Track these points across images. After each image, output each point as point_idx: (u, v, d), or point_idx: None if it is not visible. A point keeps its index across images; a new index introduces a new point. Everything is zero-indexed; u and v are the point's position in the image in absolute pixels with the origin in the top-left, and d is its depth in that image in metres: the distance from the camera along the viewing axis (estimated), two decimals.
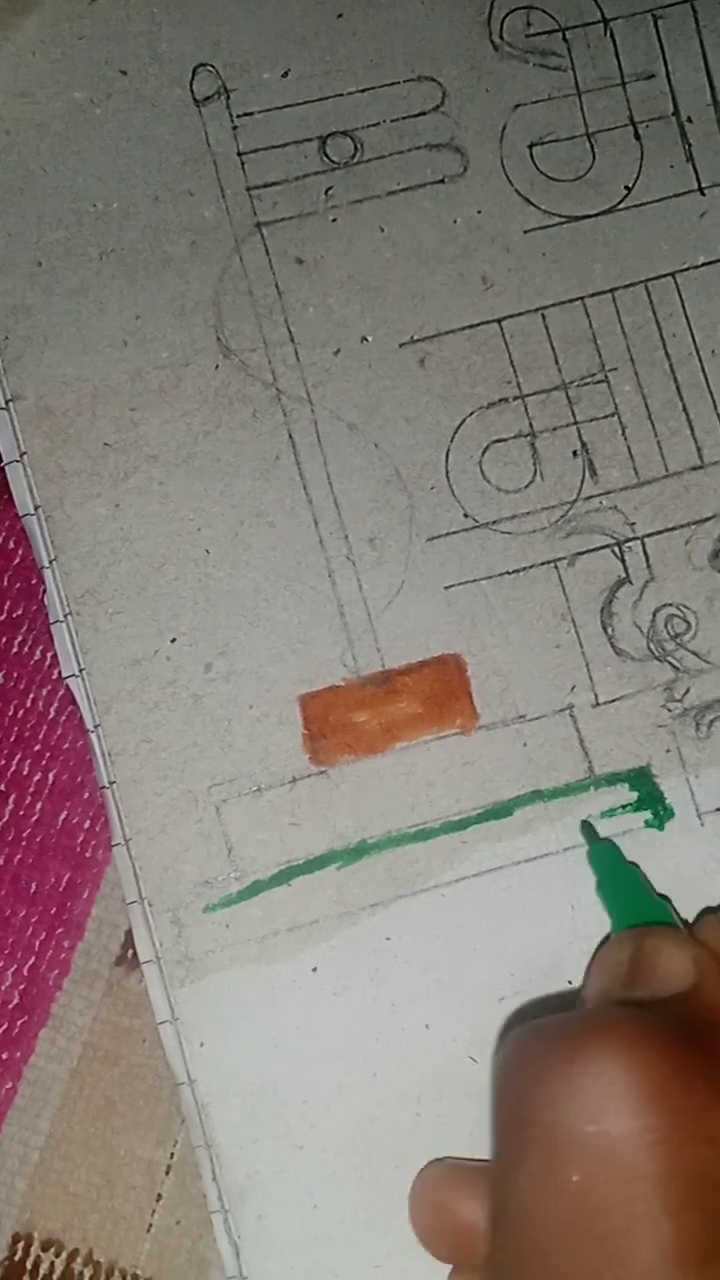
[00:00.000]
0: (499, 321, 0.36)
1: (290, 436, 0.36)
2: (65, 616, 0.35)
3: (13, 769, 0.36)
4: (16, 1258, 0.35)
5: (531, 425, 0.36)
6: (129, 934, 0.35)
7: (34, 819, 0.36)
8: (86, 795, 0.36)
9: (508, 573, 0.36)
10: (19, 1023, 0.35)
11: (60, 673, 0.36)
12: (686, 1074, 0.26)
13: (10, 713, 0.36)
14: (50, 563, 0.35)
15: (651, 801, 0.35)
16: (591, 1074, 0.26)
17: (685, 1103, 0.26)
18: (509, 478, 0.36)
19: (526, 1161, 0.27)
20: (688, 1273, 0.25)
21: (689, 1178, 0.25)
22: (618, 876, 0.34)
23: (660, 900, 0.34)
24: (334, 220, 0.36)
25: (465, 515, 0.36)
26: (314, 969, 0.34)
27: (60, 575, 0.35)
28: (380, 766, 0.35)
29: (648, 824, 0.35)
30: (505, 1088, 0.28)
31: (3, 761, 0.36)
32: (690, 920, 0.34)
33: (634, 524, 0.36)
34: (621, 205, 0.37)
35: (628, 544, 0.36)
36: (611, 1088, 0.26)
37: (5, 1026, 0.35)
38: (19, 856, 0.36)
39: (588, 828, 0.35)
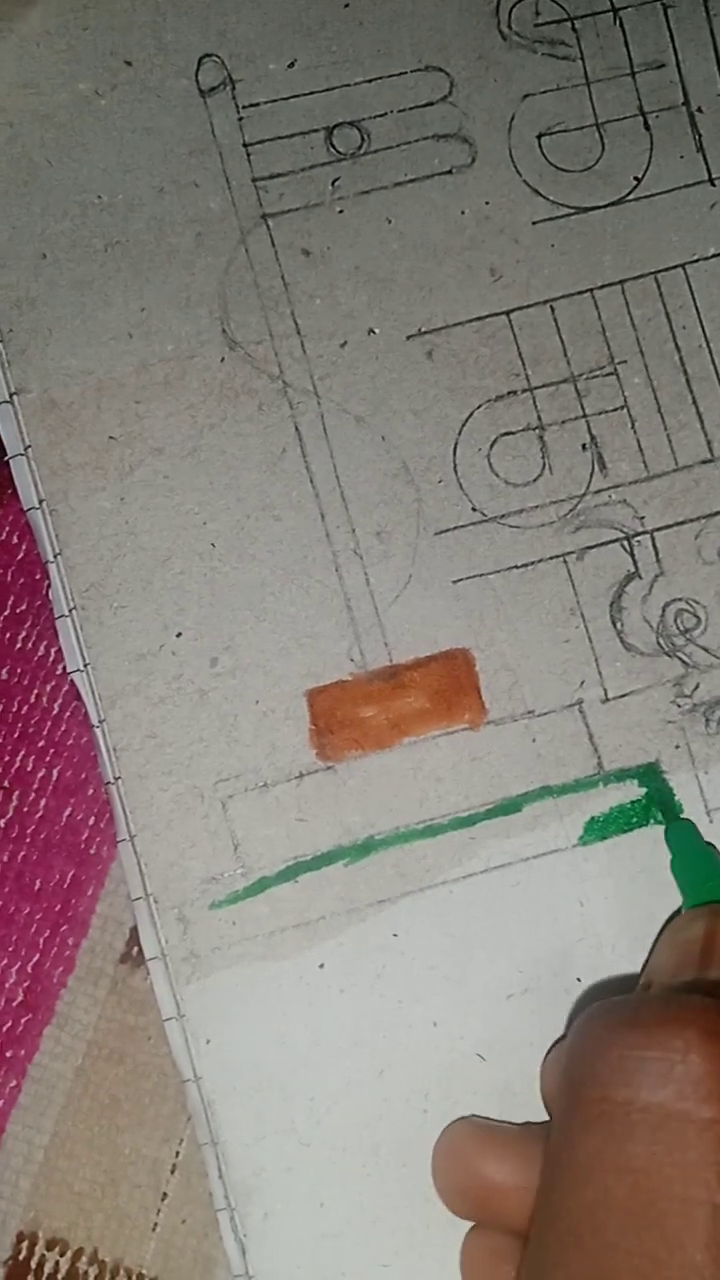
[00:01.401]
0: (507, 313, 0.36)
1: (296, 429, 0.36)
2: (70, 611, 0.35)
3: (17, 765, 0.36)
4: (21, 1257, 0.34)
5: (540, 418, 0.36)
6: (134, 931, 0.35)
7: (38, 815, 0.36)
8: (91, 791, 0.36)
9: (516, 567, 0.35)
10: (23, 1020, 0.35)
11: (65, 668, 0.35)
12: None
13: (14, 708, 0.36)
14: (55, 557, 0.35)
15: (661, 798, 0.35)
16: (667, 1058, 0.27)
17: None
18: (517, 471, 0.36)
19: (590, 1136, 0.27)
20: None
21: None
22: (693, 853, 0.34)
23: None
24: (341, 211, 0.36)
25: (473, 509, 0.36)
26: (321, 966, 0.34)
27: (65, 569, 0.35)
28: (388, 762, 0.35)
29: (657, 820, 0.35)
30: (578, 1061, 0.29)
31: (7, 758, 0.36)
32: None
33: (643, 518, 0.36)
34: (631, 196, 0.37)
35: (637, 538, 0.36)
36: (687, 1075, 0.26)
37: (10, 1024, 0.35)
38: (23, 853, 0.36)
39: (667, 807, 0.34)
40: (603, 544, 0.36)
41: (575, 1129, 0.28)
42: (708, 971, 0.30)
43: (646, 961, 0.34)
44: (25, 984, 0.35)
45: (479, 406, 0.36)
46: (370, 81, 0.36)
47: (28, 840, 0.36)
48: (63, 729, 0.36)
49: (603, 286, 0.36)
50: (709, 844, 0.34)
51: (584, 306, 0.36)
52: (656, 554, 0.36)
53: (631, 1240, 0.26)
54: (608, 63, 0.37)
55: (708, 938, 0.31)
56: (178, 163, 0.36)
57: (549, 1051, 0.33)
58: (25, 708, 0.36)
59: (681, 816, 0.35)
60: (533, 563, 0.35)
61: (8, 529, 0.37)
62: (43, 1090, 0.35)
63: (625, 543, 0.36)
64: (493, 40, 0.37)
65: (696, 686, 0.35)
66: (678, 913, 0.33)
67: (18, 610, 0.36)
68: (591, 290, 0.36)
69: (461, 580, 0.35)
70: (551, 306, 0.36)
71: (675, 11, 0.37)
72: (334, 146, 0.36)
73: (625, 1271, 0.26)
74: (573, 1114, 0.28)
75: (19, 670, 0.36)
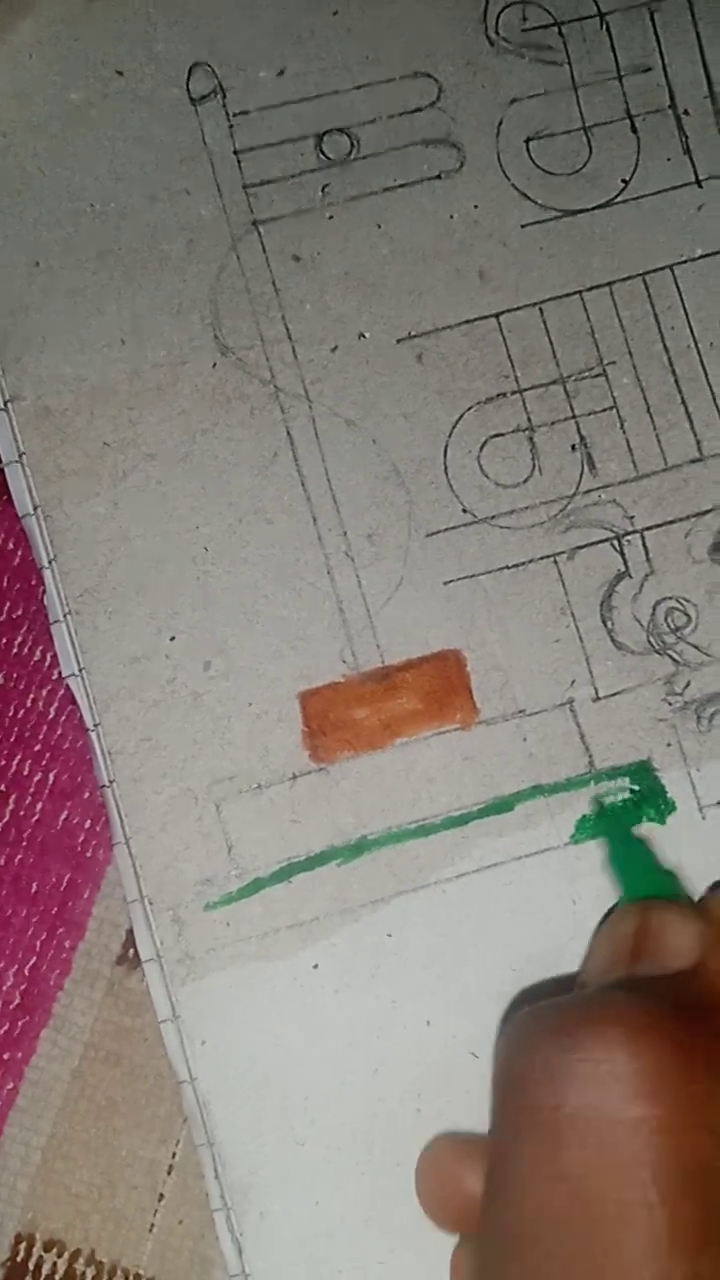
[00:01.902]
0: (496, 316, 0.36)
1: (288, 433, 0.36)
2: (65, 616, 0.35)
3: (13, 769, 0.36)
4: (19, 1258, 0.35)
5: (530, 420, 0.36)
6: (130, 933, 0.35)
7: (34, 819, 0.36)
8: (87, 795, 0.36)
9: (507, 567, 0.36)
10: (20, 1023, 0.35)
11: (60, 672, 0.36)
12: (688, 1062, 0.26)
13: (10, 713, 0.36)
14: (49, 562, 0.35)
15: (653, 795, 0.35)
16: (594, 1060, 0.26)
17: (686, 1091, 0.26)
18: (507, 472, 0.36)
19: (524, 1144, 0.27)
20: (681, 1261, 0.25)
21: (686, 1167, 0.25)
22: (628, 847, 0.34)
23: (669, 873, 0.34)
24: (331, 217, 0.36)
25: (464, 510, 0.36)
26: (315, 966, 0.34)
27: (59, 575, 0.35)
28: (380, 763, 0.35)
29: (649, 818, 0.35)
30: (507, 1070, 0.28)
31: (3, 762, 0.36)
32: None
33: (633, 517, 0.36)
34: (619, 199, 0.37)
35: (627, 537, 0.36)
36: (613, 1075, 0.26)
37: (6, 1027, 0.35)
38: (19, 856, 0.36)
39: (597, 803, 0.34)
40: (593, 544, 0.36)
41: (509, 1139, 0.28)
42: (638, 967, 0.30)
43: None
44: (22, 987, 0.35)
45: (469, 409, 0.36)
46: (359, 88, 0.37)
47: (24, 844, 0.36)
48: (58, 733, 0.36)
49: (591, 288, 0.37)
50: (642, 836, 0.34)
51: (573, 308, 0.36)
52: (646, 553, 0.36)
53: (569, 1247, 0.25)
54: (594, 67, 0.37)
55: (639, 934, 0.31)
56: (169, 171, 0.36)
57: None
58: (21, 712, 0.36)
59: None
60: (523, 563, 0.36)
61: (3, 535, 0.37)
62: (40, 1092, 0.35)
63: (615, 542, 0.36)
64: (480, 46, 0.37)
65: (687, 684, 0.35)
66: (614, 909, 0.33)
67: (13, 615, 0.37)
68: (580, 292, 0.36)
69: (453, 581, 0.35)
70: (540, 309, 0.36)
71: (661, 15, 0.37)
72: (324, 153, 0.36)
73: (563, 1279, 0.25)
74: (506, 1123, 0.28)
75: (14, 675, 0.37)
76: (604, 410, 0.36)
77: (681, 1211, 0.25)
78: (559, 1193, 0.26)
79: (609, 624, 0.35)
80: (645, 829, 0.34)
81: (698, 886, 0.34)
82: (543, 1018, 0.28)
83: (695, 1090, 0.26)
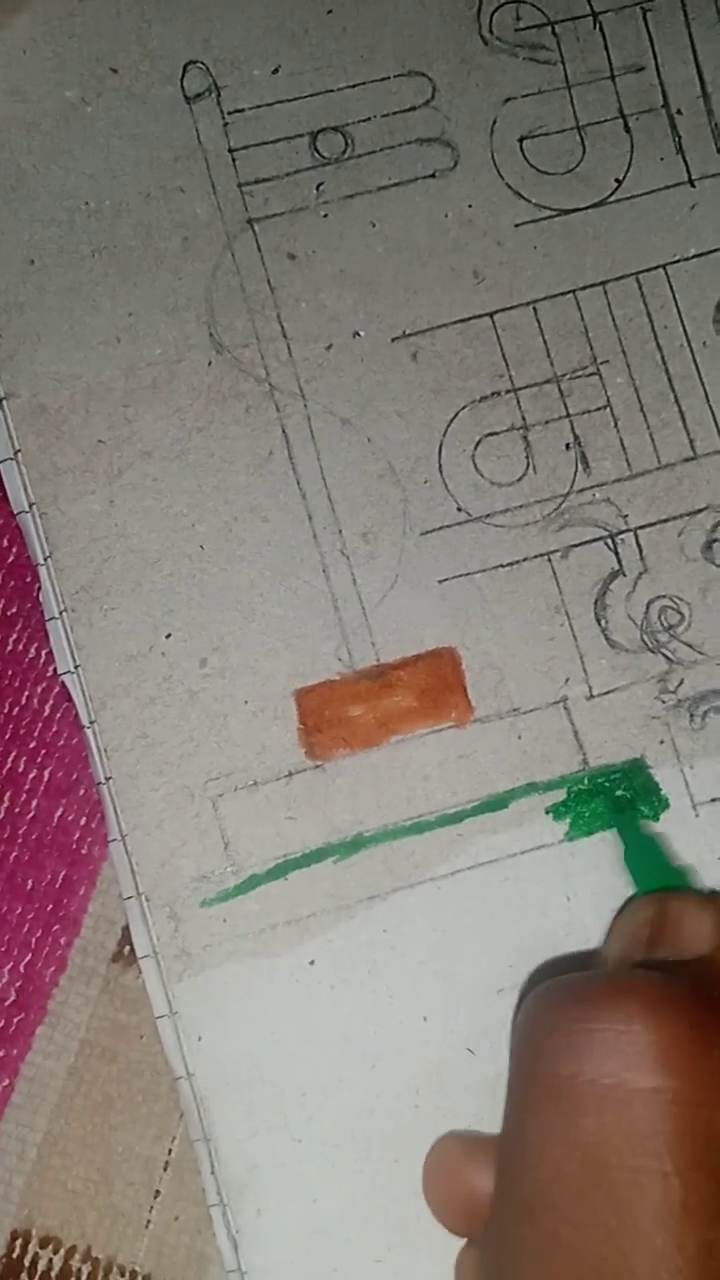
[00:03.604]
0: (491, 315, 0.36)
1: (283, 432, 0.36)
2: (60, 613, 0.35)
3: (8, 766, 0.36)
4: (15, 1255, 0.35)
5: (524, 418, 0.36)
6: (126, 930, 0.35)
7: (30, 816, 0.36)
8: (82, 791, 0.36)
9: (501, 566, 0.36)
10: (16, 1020, 0.35)
11: (56, 669, 0.36)
12: (705, 1038, 0.27)
13: (6, 710, 0.36)
14: (45, 559, 0.35)
15: (646, 793, 0.35)
16: (614, 1031, 0.27)
17: (702, 1066, 0.26)
18: (502, 471, 0.36)
19: (541, 1112, 0.27)
20: (695, 1231, 0.25)
21: (700, 1139, 0.26)
22: (643, 842, 0.34)
23: (678, 867, 0.34)
24: (325, 215, 0.36)
25: (458, 509, 0.36)
26: (311, 962, 0.34)
27: (55, 572, 0.35)
28: (375, 760, 0.35)
29: (643, 815, 0.35)
30: (526, 1039, 0.29)
31: None
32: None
33: (627, 516, 0.36)
34: (612, 198, 0.37)
35: (621, 536, 0.36)
36: (632, 1045, 0.27)
37: (2, 1024, 0.35)
38: (15, 854, 0.36)
39: (613, 801, 0.35)
40: (587, 542, 0.36)
41: (526, 1107, 0.28)
42: (655, 952, 0.31)
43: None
44: (18, 983, 0.35)
45: (463, 407, 0.36)
46: (353, 87, 0.37)
47: (20, 841, 0.36)
48: (54, 730, 0.37)
49: (585, 287, 0.37)
50: (656, 832, 0.35)
51: (566, 307, 0.37)
52: (640, 551, 0.36)
53: (584, 1213, 0.26)
54: (588, 66, 0.37)
55: (656, 921, 0.31)
56: (164, 169, 0.36)
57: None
58: (17, 709, 0.36)
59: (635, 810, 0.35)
60: (517, 561, 0.36)
61: None
62: (35, 1089, 0.35)
63: (609, 541, 0.36)
64: (474, 45, 0.37)
65: (681, 682, 0.36)
66: (630, 901, 0.34)
67: (9, 613, 0.37)
68: (574, 291, 0.37)
69: (447, 580, 0.36)
70: (534, 308, 0.37)
71: (654, 15, 0.37)
72: (318, 151, 0.37)
73: (578, 1244, 0.26)
74: (523, 1092, 0.28)
75: (10, 672, 0.37)
76: (598, 409, 0.36)
77: (695, 1183, 0.26)
78: (574, 1159, 0.26)
79: (603, 622, 0.36)
80: (656, 826, 0.35)
81: (692, 881, 0.34)
82: (564, 990, 0.29)
83: (711, 1066, 0.27)
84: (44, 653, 0.37)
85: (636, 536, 0.36)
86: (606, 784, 0.35)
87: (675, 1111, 0.26)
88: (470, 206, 0.37)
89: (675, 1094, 0.26)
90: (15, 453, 0.35)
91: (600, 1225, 0.26)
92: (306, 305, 0.36)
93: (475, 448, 0.36)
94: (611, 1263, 0.25)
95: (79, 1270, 0.35)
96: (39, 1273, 0.35)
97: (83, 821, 0.36)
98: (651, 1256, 0.25)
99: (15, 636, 0.37)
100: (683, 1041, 0.27)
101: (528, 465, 0.36)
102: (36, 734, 0.36)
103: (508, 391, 0.36)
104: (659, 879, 0.34)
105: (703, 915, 0.31)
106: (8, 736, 0.36)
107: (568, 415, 0.36)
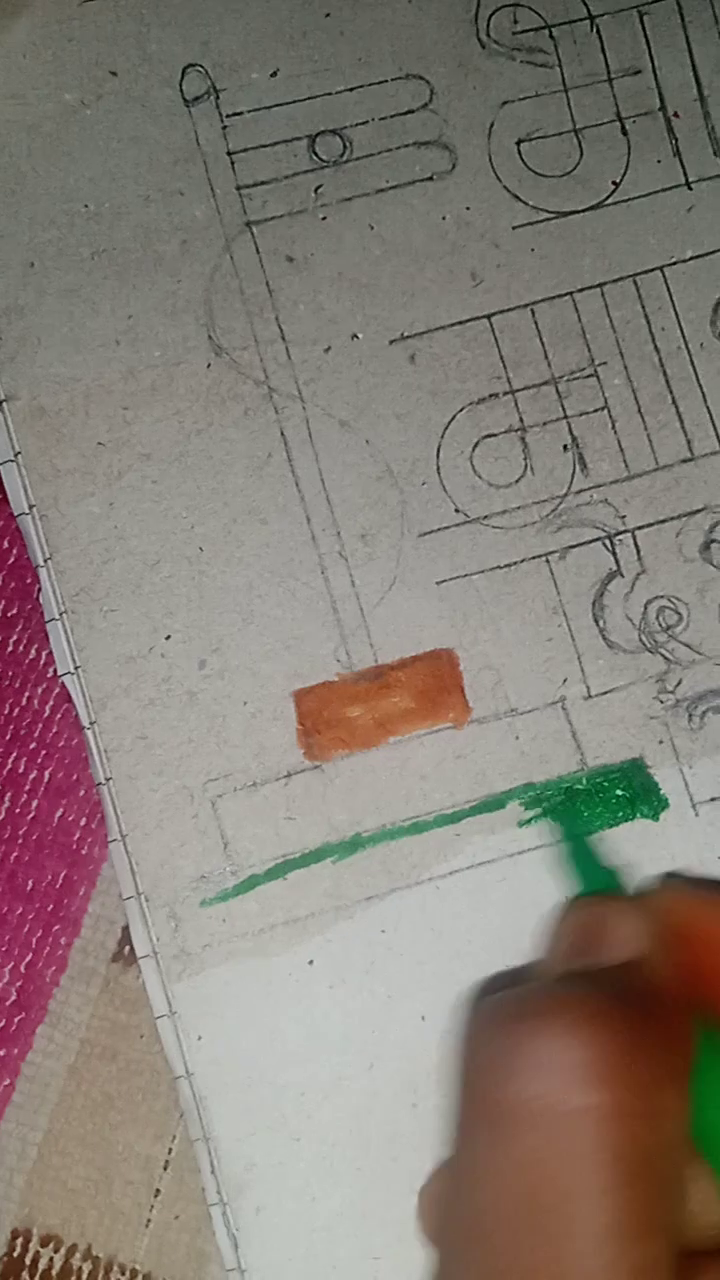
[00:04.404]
0: (488, 317, 0.37)
1: (282, 434, 0.36)
2: (60, 614, 0.35)
3: (9, 767, 0.36)
4: (15, 1253, 0.35)
5: (522, 420, 0.36)
6: (126, 930, 0.36)
7: (30, 816, 0.36)
8: (82, 792, 0.36)
9: (499, 567, 0.36)
10: (16, 1020, 0.35)
11: (55, 670, 0.36)
12: (633, 1049, 0.26)
13: (6, 711, 0.36)
14: (45, 561, 0.35)
15: (645, 793, 0.35)
16: (544, 1049, 0.26)
17: (632, 1078, 0.26)
18: (499, 472, 0.36)
19: (478, 1136, 0.27)
20: (632, 1248, 0.25)
21: (634, 1154, 0.25)
22: (573, 845, 0.34)
23: (611, 869, 0.34)
24: (324, 218, 0.37)
25: (456, 510, 0.36)
26: (310, 962, 0.34)
27: (55, 573, 0.35)
28: (374, 761, 0.35)
29: (643, 815, 0.35)
30: (460, 1063, 0.28)
31: None
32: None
33: (625, 517, 0.36)
34: (609, 200, 0.37)
35: (619, 537, 0.36)
36: (559, 1064, 0.26)
37: (3, 1023, 0.35)
38: (15, 854, 0.36)
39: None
40: (585, 543, 0.36)
41: (465, 1131, 0.28)
42: (583, 961, 0.30)
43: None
44: (18, 983, 0.36)
45: (461, 409, 0.36)
46: (352, 90, 0.37)
47: (20, 841, 0.36)
48: (54, 731, 0.37)
49: (582, 289, 0.37)
50: (587, 833, 0.35)
51: (564, 309, 0.37)
52: (638, 552, 0.36)
53: (523, 1238, 0.25)
54: (585, 69, 0.37)
55: (583, 928, 0.31)
56: (163, 171, 0.36)
57: None
58: (16, 710, 0.37)
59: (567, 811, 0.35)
60: (515, 563, 0.36)
61: None
62: (36, 1088, 0.35)
63: (607, 541, 0.36)
64: (472, 48, 0.37)
65: (679, 682, 0.36)
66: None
67: (9, 614, 0.37)
68: (571, 293, 0.37)
69: (445, 581, 0.36)
70: (532, 310, 0.37)
71: (651, 18, 0.37)
72: (316, 154, 0.37)
73: (515, 1270, 0.25)
74: (463, 1113, 0.28)
75: (10, 673, 0.37)
76: (595, 411, 0.36)
77: (630, 1198, 0.25)
78: (511, 1183, 0.26)
79: (601, 623, 0.36)
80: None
81: (625, 884, 0.35)
82: (491, 1011, 0.28)
83: (641, 1075, 0.26)
84: (44, 654, 0.37)
85: (634, 537, 0.36)
86: (605, 784, 0.35)
87: (607, 1128, 0.25)
88: (468, 209, 0.37)
89: (607, 1109, 0.26)
90: (15, 455, 0.36)
91: (541, 1249, 0.25)
92: (305, 307, 0.36)
93: (473, 449, 0.36)
94: None
95: (79, 1269, 0.35)
96: (39, 1271, 0.35)
97: (83, 822, 0.36)
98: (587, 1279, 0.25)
99: (15, 638, 0.37)
100: (611, 1055, 0.26)
101: (525, 467, 0.36)
102: (37, 735, 0.36)
103: (505, 393, 0.36)
104: (594, 881, 0.33)
105: (625, 921, 0.30)
106: (8, 737, 0.36)
107: (565, 417, 0.36)
